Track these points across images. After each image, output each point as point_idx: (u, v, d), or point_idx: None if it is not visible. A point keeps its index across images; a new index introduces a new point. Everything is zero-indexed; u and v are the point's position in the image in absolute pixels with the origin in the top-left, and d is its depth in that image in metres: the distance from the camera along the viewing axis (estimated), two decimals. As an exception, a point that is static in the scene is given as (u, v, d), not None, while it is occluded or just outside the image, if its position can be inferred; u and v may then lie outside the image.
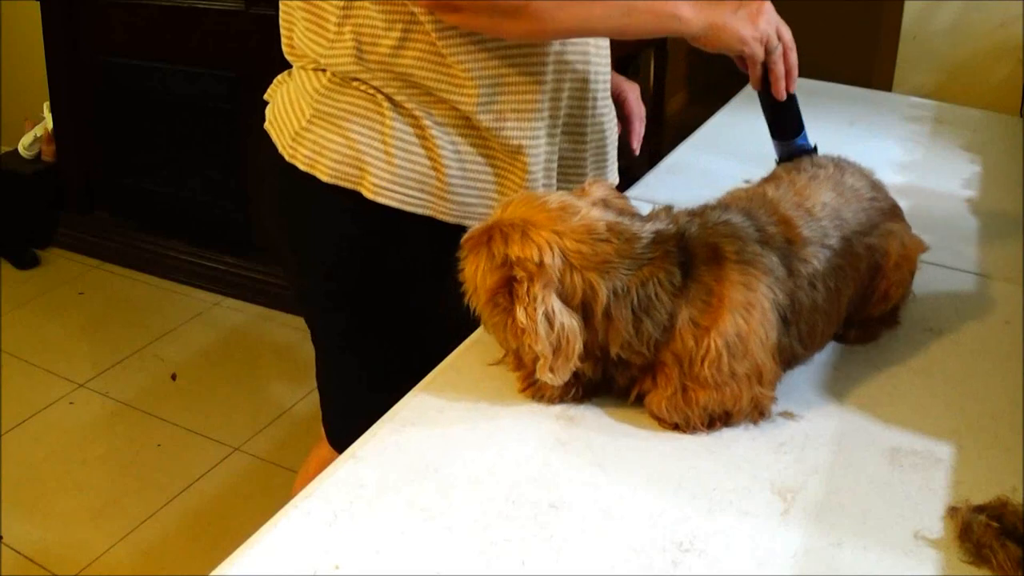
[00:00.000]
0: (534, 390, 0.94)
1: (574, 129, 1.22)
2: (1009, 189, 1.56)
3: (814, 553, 0.76)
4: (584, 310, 0.86)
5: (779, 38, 1.10)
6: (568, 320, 0.85)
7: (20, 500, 2.24)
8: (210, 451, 2.42)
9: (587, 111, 1.21)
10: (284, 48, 1.22)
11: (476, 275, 0.88)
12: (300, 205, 1.19)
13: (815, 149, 1.19)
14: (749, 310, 0.88)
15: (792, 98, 1.15)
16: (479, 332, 1.06)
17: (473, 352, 1.02)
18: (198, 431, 2.50)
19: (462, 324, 1.06)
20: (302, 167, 1.14)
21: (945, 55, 2.09)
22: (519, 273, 0.85)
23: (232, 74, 2.98)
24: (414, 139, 1.13)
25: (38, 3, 3.28)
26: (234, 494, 2.29)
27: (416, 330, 1.22)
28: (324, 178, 1.13)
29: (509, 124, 1.14)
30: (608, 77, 1.24)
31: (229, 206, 3.16)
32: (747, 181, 1.47)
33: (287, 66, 1.25)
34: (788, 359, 0.95)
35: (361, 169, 1.12)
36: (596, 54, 1.20)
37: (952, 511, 0.79)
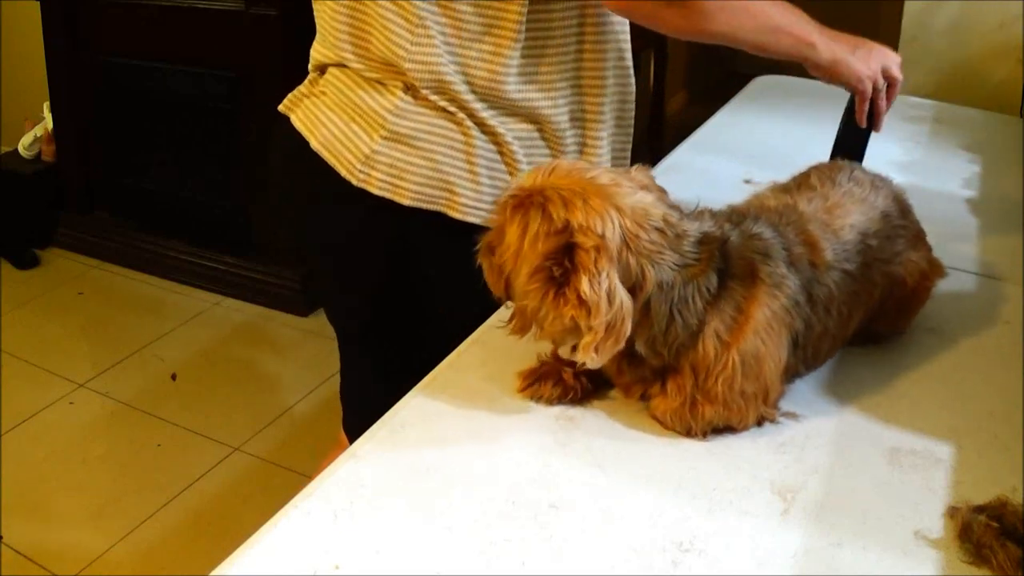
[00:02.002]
0: (533, 391, 0.93)
1: (622, 136, 1.26)
2: (1009, 189, 1.56)
3: (814, 553, 0.76)
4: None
5: (887, 75, 1.19)
6: (627, 299, 0.82)
7: (20, 500, 2.24)
8: (210, 451, 2.42)
9: (626, 119, 1.25)
10: (349, 56, 1.16)
11: (525, 238, 0.83)
12: (340, 213, 1.17)
13: None
14: (769, 333, 0.88)
15: (870, 130, 1.24)
16: (479, 332, 1.06)
17: (473, 352, 1.02)
18: (198, 431, 2.50)
19: (465, 325, 1.06)
20: (376, 191, 1.12)
21: (945, 55, 2.09)
22: (585, 242, 0.81)
23: (232, 74, 2.98)
24: (496, 156, 1.14)
25: (38, 3, 3.28)
26: (234, 494, 2.29)
27: (417, 329, 1.22)
28: (406, 201, 1.11)
29: (574, 130, 1.17)
30: (633, 97, 1.29)
31: (229, 206, 3.16)
32: (747, 181, 1.48)
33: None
34: (790, 377, 0.95)
35: (449, 191, 1.12)
36: (631, 70, 1.25)
37: (952, 511, 0.79)
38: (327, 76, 1.20)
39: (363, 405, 1.30)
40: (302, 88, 1.23)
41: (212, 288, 3.20)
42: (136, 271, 3.33)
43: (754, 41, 1.10)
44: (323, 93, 1.19)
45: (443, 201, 1.12)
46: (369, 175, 1.12)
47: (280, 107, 1.24)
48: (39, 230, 3.49)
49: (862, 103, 1.20)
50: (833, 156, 1.26)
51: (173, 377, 2.74)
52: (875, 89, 1.19)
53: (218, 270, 3.20)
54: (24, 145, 3.56)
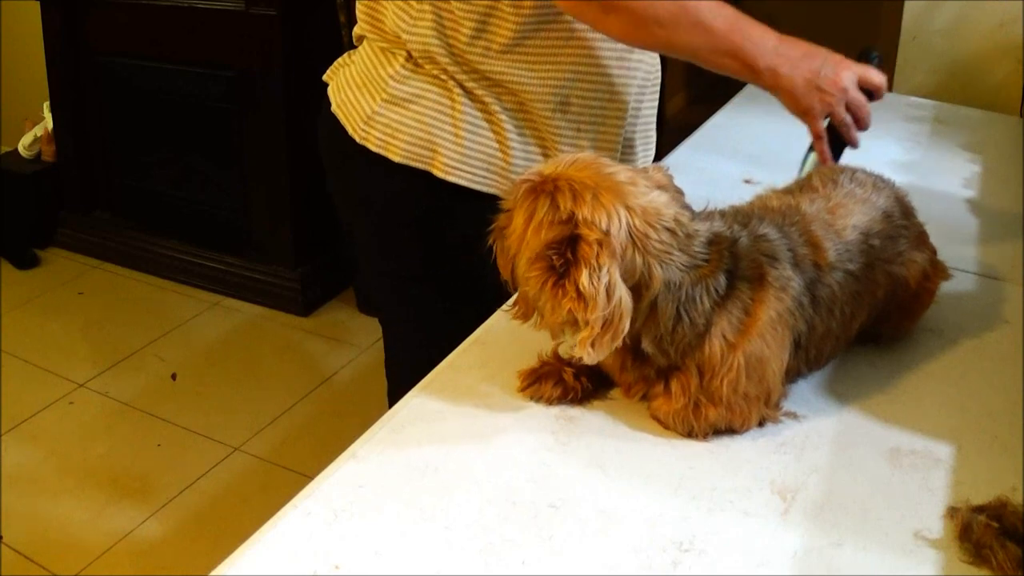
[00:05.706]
0: (533, 391, 0.93)
1: (638, 140, 1.28)
2: (1009, 189, 1.56)
3: (814, 553, 0.76)
4: (632, 293, 0.84)
5: (855, 111, 1.10)
6: (626, 297, 0.82)
7: (20, 500, 2.24)
8: (210, 451, 2.43)
9: (636, 131, 1.28)
10: (367, 28, 1.26)
11: (531, 224, 0.84)
12: (356, 172, 1.25)
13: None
14: (773, 335, 0.88)
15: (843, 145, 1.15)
16: (479, 332, 1.06)
17: (473, 352, 1.02)
18: (198, 431, 2.50)
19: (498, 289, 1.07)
20: (374, 148, 1.21)
21: (945, 55, 2.09)
22: (589, 235, 0.81)
23: (232, 74, 2.97)
24: (482, 122, 1.19)
25: (38, 3, 3.28)
26: (234, 494, 2.29)
27: (455, 293, 1.26)
28: (396, 158, 1.19)
29: (562, 114, 1.20)
30: (656, 103, 1.30)
31: (229, 206, 3.16)
32: (747, 181, 1.48)
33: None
34: (792, 377, 0.95)
35: (433, 150, 1.19)
36: (656, 77, 1.26)
37: (952, 511, 0.79)
38: (358, 48, 1.31)
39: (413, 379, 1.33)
40: (340, 59, 1.34)
41: (212, 288, 3.20)
42: (136, 271, 3.33)
43: (703, 61, 1.08)
44: (352, 63, 1.30)
45: (427, 160, 1.19)
46: (368, 133, 1.21)
47: (324, 76, 1.34)
48: (39, 230, 3.49)
49: (816, 141, 1.13)
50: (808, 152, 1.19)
51: (173, 377, 2.74)
52: (834, 122, 1.11)
53: (218, 270, 3.20)
54: (24, 145, 3.56)
